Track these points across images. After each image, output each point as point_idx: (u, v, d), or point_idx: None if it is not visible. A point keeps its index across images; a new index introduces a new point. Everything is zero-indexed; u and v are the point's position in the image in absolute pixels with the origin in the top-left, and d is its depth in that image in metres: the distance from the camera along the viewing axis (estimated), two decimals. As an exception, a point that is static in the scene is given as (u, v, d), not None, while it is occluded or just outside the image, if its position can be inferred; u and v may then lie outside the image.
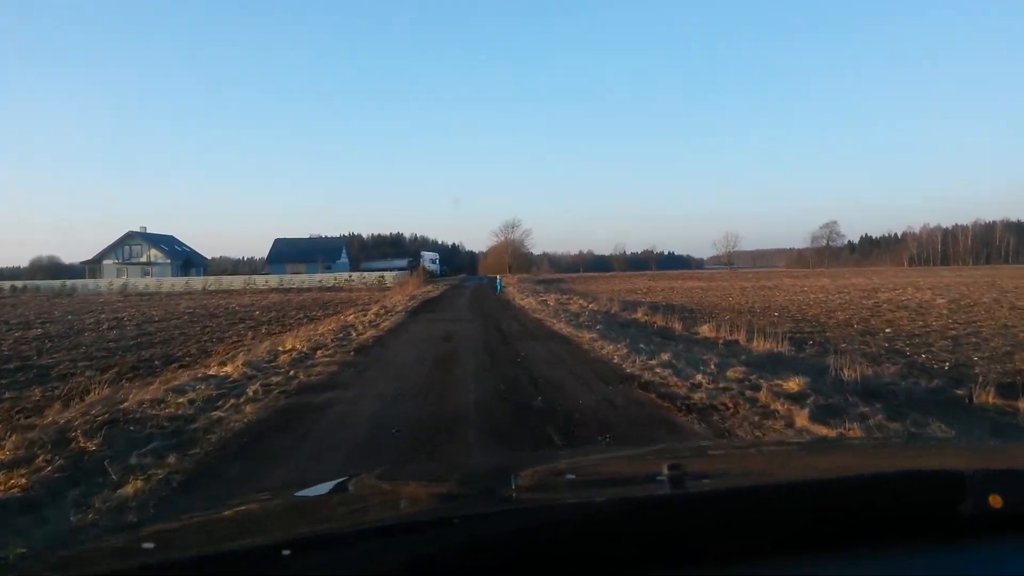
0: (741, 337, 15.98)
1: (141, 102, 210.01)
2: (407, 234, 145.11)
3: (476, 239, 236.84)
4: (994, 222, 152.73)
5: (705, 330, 18.12)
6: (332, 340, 16.75)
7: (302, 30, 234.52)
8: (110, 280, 74.36)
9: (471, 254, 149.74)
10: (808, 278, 67.51)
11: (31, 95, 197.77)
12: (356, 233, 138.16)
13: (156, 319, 31.50)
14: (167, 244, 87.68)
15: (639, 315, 23.99)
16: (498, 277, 60.15)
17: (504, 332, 18.28)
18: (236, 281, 72.54)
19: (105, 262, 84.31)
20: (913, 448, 2.71)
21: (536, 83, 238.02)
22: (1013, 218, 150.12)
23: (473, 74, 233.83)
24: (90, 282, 74.02)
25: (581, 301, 30.80)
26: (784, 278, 68.80)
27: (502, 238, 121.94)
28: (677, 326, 19.69)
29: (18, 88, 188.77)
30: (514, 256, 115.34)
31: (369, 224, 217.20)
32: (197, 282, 71.64)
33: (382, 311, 27.39)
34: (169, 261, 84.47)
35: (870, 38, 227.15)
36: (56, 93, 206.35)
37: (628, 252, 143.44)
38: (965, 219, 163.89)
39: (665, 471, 1.35)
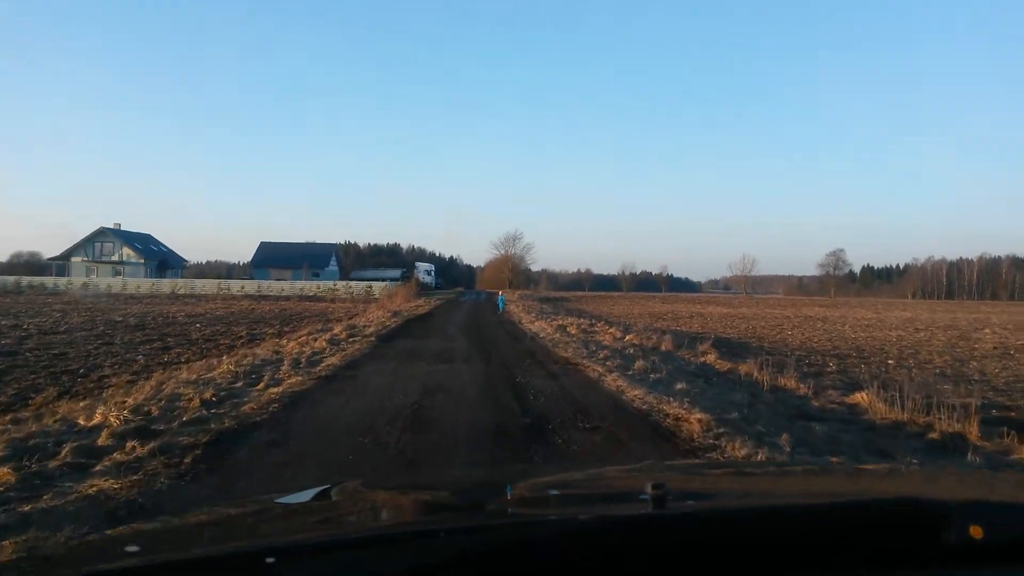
0: (968, 430, 8.41)
1: (140, 102, 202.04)
2: (404, 245, 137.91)
3: (474, 253, 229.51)
4: (999, 257, 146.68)
5: (862, 400, 10.57)
6: (210, 396, 9.04)
7: (305, 35, 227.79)
8: (69, 279, 66.45)
9: (469, 268, 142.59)
10: (835, 308, 59.88)
11: (33, 90, 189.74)
12: (352, 242, 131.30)
13: (58, 329, 23.69)
14: (141, 243, 79.73)
15: (710, 358, 16.21)
16: (500, 293, 52.41)
17: (527, 395, 10.10)
18: (208, 285, 64.74)
19: (74, 259, 76.22)
20: (897, 476, 2.58)
21: (538, 98, 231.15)
22: (1021, 253, 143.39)
23: (477, 87, 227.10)
24: (50, 280, 66.17)
25: (612, 329, 23.11)
26: (811, 307, 61.08)
27: (502, 252, 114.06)
28: (795, 385, 12.03)
29: (18, 83, 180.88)
30: (514, 271, 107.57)
31: (367, 234, 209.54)
32: (166, 285, 63.86)
33: (345, 334, 19.59)
34: (143, 261, 76.49)
35: (883, 64, 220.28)
36: (66, 89, 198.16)
37: (637, 272, 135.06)
38: (970, 253, 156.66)
39: (649, 490, 1.30)
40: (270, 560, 1.04)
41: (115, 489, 4.94)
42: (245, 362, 12.82)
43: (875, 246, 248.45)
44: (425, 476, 4.32)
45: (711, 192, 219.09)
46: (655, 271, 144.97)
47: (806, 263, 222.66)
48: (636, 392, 10.14)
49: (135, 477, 5.33)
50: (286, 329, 25.20)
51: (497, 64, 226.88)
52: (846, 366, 17.23)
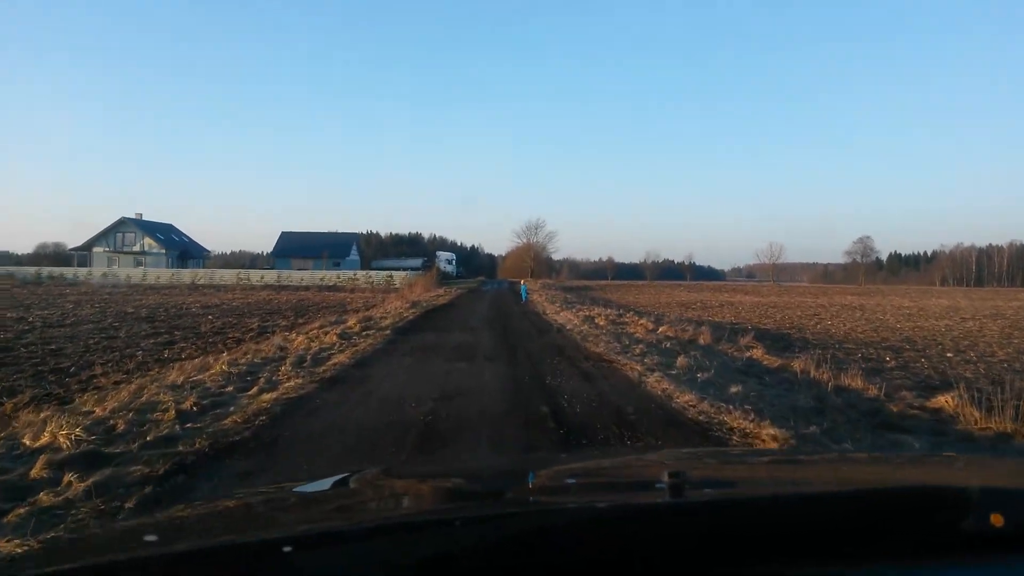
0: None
1: (166, 93, 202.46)
2: (426, 234, 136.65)
3: (496, 242, 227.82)
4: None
5: (946, 404, 9.13)
6: (191, 405, 7.75)
7: (327, 24, 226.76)
8: (89, 269, 65.90)
9: (490, 257, 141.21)
10: (867, 296, 57.72)
11: (45, 82, 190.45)
12: (374, 231, 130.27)
13: (64, 321, 22.74)
14: (163, 233, 79.10)
15: (756, 353, 14.65)
16: (522, 283, 50.86)
17: (560, 402, 8.56)
18: (228, 275, 63.84)
19: (95, 250, 75.84)
20: (916, 463, 2.54)
21: (559, 87, 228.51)
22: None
23: (498, 78, 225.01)
24: (70, 270, 65.64)
25: (643, 321, 21.52)
26: (842, 295, 58.95)
27: (524, 240, 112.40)
28: (862, 385, 10.55)
29: (23, 74, 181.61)
30: (536, 260, 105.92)
31: (388, 224, 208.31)
32: (187, 275, 63.08)
33: (359, 326, 18.24)
34: (164, 251, 75.85)
35: (906, 50, 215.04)
36: (74, 84, 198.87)
37: (660, 260, 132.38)
38: (999, 239, 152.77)
39: (666, 478, 1.30)
40: (287, 549, 1.03)
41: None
42: (243, 360, 11.50)
43: (902, 233, 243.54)
44: (443, 464, 4.20)
45: (734, 180, 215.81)
46: (678, 260, 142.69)
47: (830, 251, 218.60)
48: (687, 397, 8.64)
49: (46, 536, 3.94)
50: (300, 321, 24.00)
51: (518, 54, 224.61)
52: (905, 360, 15.58)
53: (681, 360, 12.13)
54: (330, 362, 11.78)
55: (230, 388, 9.12)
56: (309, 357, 12.21)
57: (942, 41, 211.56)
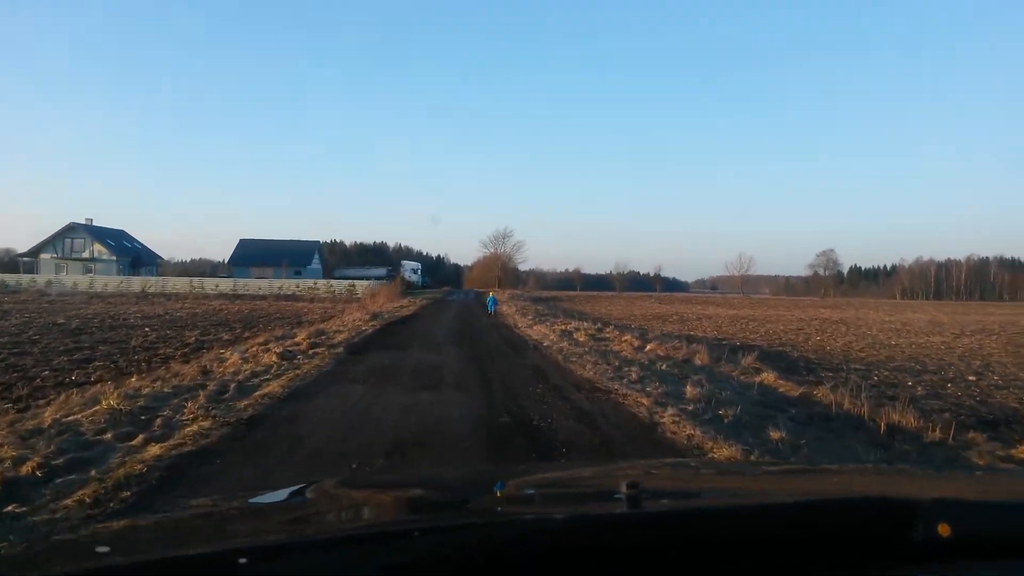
0: None
1: (127, 100, 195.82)
2: (391, 244, 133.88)
3: (462, 253, 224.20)
4: (988, 258, 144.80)
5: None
6: (32, 468, 5.27)
7: (292, 35, 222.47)
8: (33, 276, 62.00)
9: (456, 267, 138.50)
10: (840, 309, 56.47)
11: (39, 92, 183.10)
12: (338, 240, 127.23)
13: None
14: (114, 239, 75.12)
15: (767, 378, 12.50)
16: (490, 293, 48.35)
17: (557, 456, 6.40)
18: (181, 284, 60.44)
19: (43, 256, 71.57)
20: (869, 475, 2.58)
21: (526, 99, 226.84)
22: (1008, 255, 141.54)
23: (466, 86, 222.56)
24: (13, 278, 61.68)
25: (627, 337, 19.25)
26: (814, 308, 57.63)
27: (491, 250, 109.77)
28: (916, 424, 8.48)
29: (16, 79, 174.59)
30: (503, 270, 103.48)
31: (354, 233, 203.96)
32: (136, 283, 59.47)
33: (307, 343, 15.75)
34: (115, 258, 71.82)
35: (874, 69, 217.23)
36: (60, 89, 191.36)
37: (627, 271, 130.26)
38: (957, 254, 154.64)
39: (624, 489, 1.30)
40: (242, 561, 1.02)
41: None
42: (148, 390, 9.03)
43: (861, 247, 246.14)
44: (404, 475, 4.18)
45: (698, 193, 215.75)
46: (645, 271, 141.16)
47: (789, 263, 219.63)
48: (726, 451, 6.41)
49: None
50: (245, 335, 21.45)
51: (484, 66, 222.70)
52: (930, 386, 13.60)
53: (691, 390, 9.93)
54: (258, 393, 9.34)
55: (108, 435, 6.68)
56: (234, 386, 9.77)
57: (905, 59, 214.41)
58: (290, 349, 14.63)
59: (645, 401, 9.13)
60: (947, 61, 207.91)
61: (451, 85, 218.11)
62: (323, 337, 17.93)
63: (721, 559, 1.11)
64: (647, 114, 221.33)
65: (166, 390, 9.27)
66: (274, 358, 12.97)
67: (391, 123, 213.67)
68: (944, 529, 1.15)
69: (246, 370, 11.58)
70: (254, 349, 14.72)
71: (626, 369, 12.77)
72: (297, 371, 11.61)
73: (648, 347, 17.12)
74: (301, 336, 17.48)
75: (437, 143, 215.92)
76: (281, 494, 1.93)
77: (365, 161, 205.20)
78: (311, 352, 14.40)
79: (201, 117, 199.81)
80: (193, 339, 19.95)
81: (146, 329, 23.87)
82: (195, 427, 7.07)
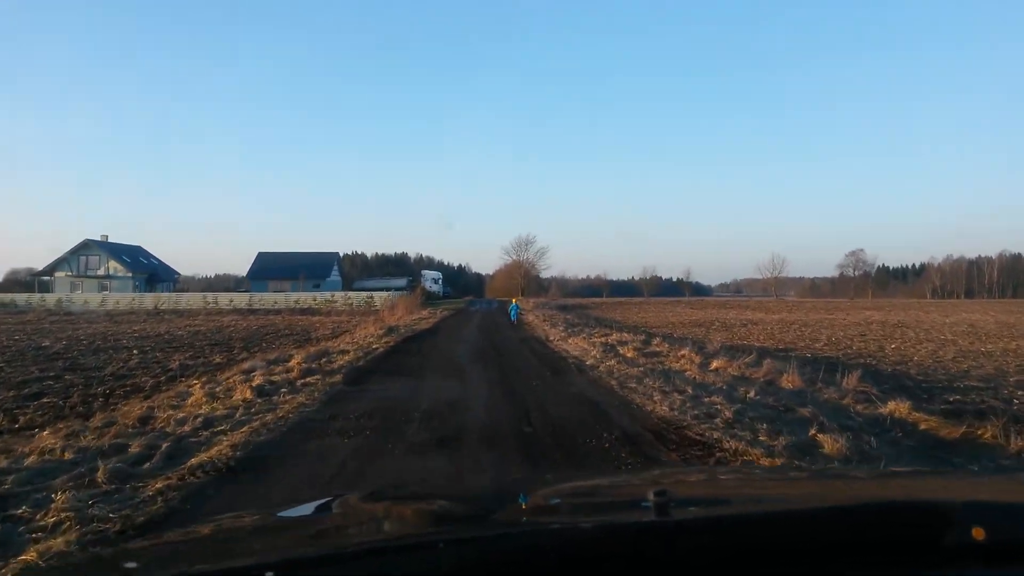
0: None
1: (147, 111, 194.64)
2: (412, 254, 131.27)
3: (484, 262, 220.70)
4: (1020, 254, 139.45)
5: None
6: None
7: (313, 40, 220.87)
8: (43, 296, 59.68)
9: (478, 276, 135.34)
10: (885, 310, 52.61)
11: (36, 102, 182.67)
12: (359, 252, 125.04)
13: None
14: (130, 256, 72.90)
15: (899, 410, 9.19)
16: (514, 301, 45.44)
17: None
18: (194, 299, 57.85)
19: (57, 274, 69.47)
20: (899, 479, 2.53)
21: (545, 105, 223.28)
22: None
23: (484, 94, 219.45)
24: (23, 296, 59.43)
25: (684, 351, 15.95)
26: (857, 310, 53.81)
27: (513, 257, 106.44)
28: None
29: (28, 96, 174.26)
30: (526, 278, 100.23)
31: (375, 244, 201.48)
32: (149, 300, 56.90)
33: (298, 369, 12.70)
34: (131, 275, 69.55)
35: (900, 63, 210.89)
36: (78, 98, 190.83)
37: (650, 277, 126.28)
38: (988, 250, 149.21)
39: (651, 497, 1.27)
40: (269, 575, 1.01)
41: None
42: (28, 464, 5.99)
43: (887, 247, 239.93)
44: (428, 487, 3.93)
45: (720, 196, 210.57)
46: (667, 276, 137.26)
47: (812, 265, 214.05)
48: None
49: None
50: (242, 356, 18.49)
51: (506, 66, 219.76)
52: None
53: (827, 440, 6.72)
54: (196, 458, 6.21)
55: None
56: (168, 444, 6.76)
57: (931, 55, 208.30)
58: (274, 380, 11.60)
59: (775, 464, 5.92)
60: (978, 56, 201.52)
61: (473, 91, 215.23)
62: (323, 360, 14.91)
63: (751, 567, 1.09)
64: (668, 117, 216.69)
65: (67, 456, 6.28)
66: (248, 393, 9.96)
67: (412, 132, 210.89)
68: (979, 533, 1.12)
69: (204, 413, 8.61)
70: (232, 379, 11.73)
71: (707, 400, 9.59)
72: (270, 414, 8.54)
73: (714, 364, 13.91)
74: (297, 359, 14.46)
75: (458, 151, 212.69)
76: (307, 508, 1.94)
77: (388, 171, 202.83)
78: (300, 383, 11.36)
79: (223, 130, 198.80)
80: (177, 364, 16.99)
81: (134, 351, 21.03)
82: (36, 550, 4.01)
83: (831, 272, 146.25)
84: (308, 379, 11.84)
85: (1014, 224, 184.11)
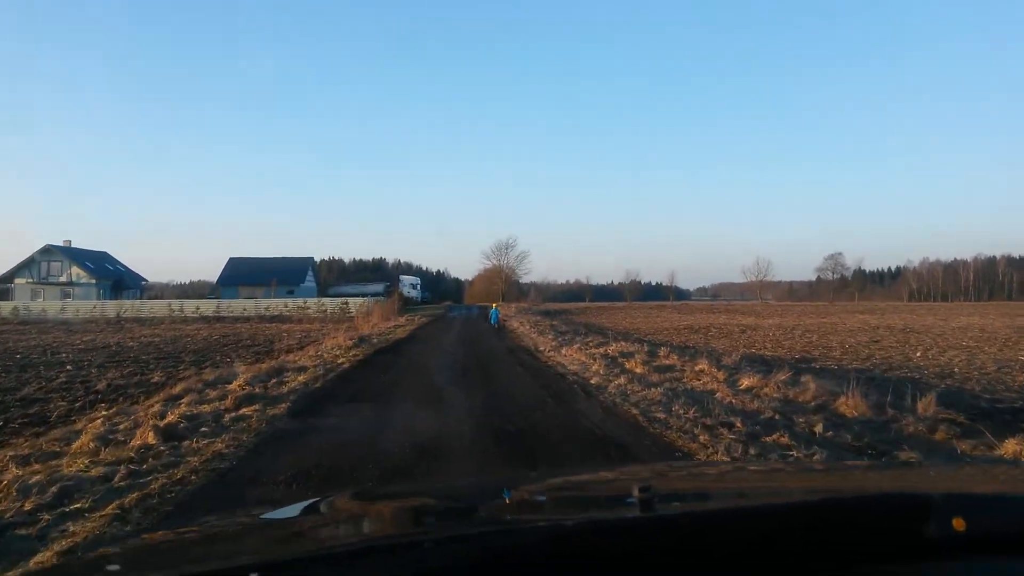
0: None
1: (113, 120, 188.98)
2: (390, 260, 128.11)
3: (463, 267, 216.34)
4: (995, 257, 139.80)
5: None
6: None
7: (286, 45, 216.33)
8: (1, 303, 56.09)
9: (457, 281, 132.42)
10: (877, 314, 50.63)
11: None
12: (336, 257, 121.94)
13: None
14: (94, 262, 69.01)
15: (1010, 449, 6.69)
16: (493, 306, 42.99)
17: None
18: (159, 307, 54.53)
19: (17, 281, 65.71)
20: (881, 471, 2.60)
21: (521, 112, 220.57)
22: (1015, 253, 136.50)
23: (460, 94, 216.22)
24: (-23, 305, 55.77)
25: (700, 364, 13.44)
26: (849, 314, 51.82)
27: (493, 262, 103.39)
28: None
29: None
30: (507, 283, 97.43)
31: (352, 250, 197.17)
32: (111, 307, 53.48)
33: (233, 398, 9.98)
34: (95, 281, 65.83)
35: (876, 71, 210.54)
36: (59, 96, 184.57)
37: (632, 281, 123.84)
38: (964, 254, 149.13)
39: (635, 493, 1.26)
40: None
41: None
42: None
43: (863, 250, 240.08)
44: (414, 485, 3.98)
45: (698, 200, 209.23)
46: (651, 280, 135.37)
47: (788, 269, 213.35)
48: None
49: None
50: (187, 374, 15.71)
51: (485, 68, 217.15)
52: None
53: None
54: None
55: None
56: None
57: (906, 59, 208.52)
58: (200, 411, 8.94)
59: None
60: (949, 60, 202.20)
61: (452, 93, 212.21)
62: (273, 381, 12.22)
63: (736, 560, 1.08)
64: (645, 120, 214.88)
65: None
66: (152, 437, 7.27)
67: (390, 137, 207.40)
68: (959, 523, 1.13)
69: (74, 472, 5.94)
70: (149, 411, 9.03)
71: (770, 439, 7.14)
72: (163, 476, 5.86)
73: (744, 382, 11.42)
74: (241, 380, 11.77)
75: (437, 155, 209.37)
76: (293, 509, 1.86)
77: (364, 176, 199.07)
78: (230, 417, 8.67)
79: (194, 132, 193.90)
80: (104, 385, 14.19)
81: (68, 367, 18.21)
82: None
83: (807, 275, 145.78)
84: (244, 410, 9.16)
85: (988, 228, 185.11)
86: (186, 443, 7.19)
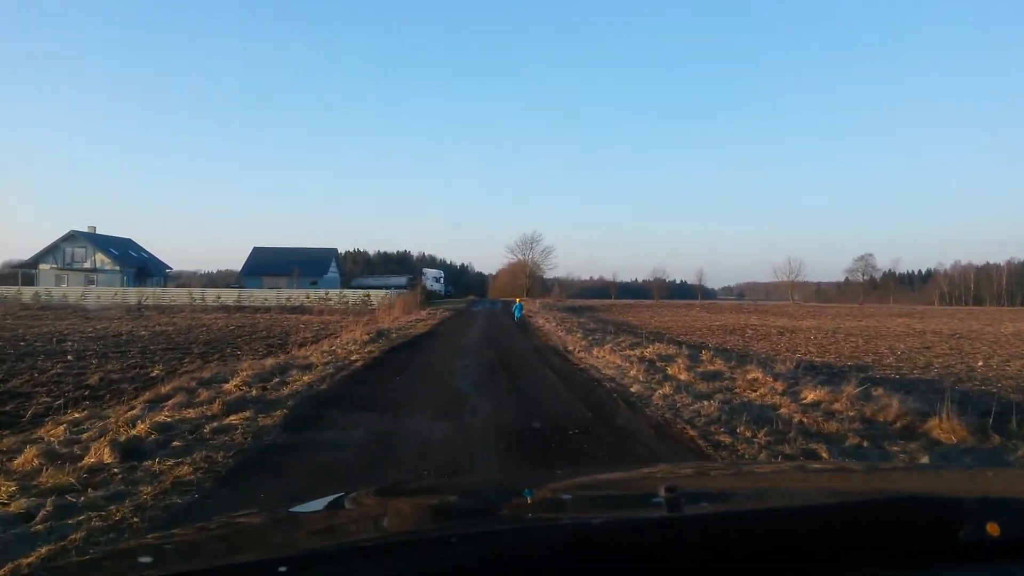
0: None
1: (142, 106, 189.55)
2: (415, 253, 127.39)
3: (487, 261, 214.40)
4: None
5: None
6: None
7: (316, 40, 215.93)
8: (20, 288, 55.59)
9: (480, 275, 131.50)
10: (924, 318, 48.40)
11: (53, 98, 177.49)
12: (361, 249, 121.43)
13: None
14: (118, 248, 68.60)
15: None
16: (517, 300, 41.85)
17: None
18: (180, 295, 53.79)
19: (42, 266, 65.46)
20: (911, 474, 2.52)
21: (551, 106, 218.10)
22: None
23: (489, 94, 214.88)
24: (3, 289, 55.29)
25: (754, 372, 11.85)
26: (884, 317, 49.63)
27: (518, 256, 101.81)
28: None
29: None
30: (531, 278, 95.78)
31: (377, 242, 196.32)
32: (133, 295, 52.80)
33: (228, 398, 8.61)
34: (119, 268, 65.39)
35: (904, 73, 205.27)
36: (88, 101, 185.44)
37: (656, 279, 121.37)
38: (996, 257, 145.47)
39: (662, 493, 1.24)
40: (282, 570, 0.99)
41: None
42: None
43: (892, 252, 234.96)
44: (439, 482, 3.88)
45: (728, 199, 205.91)
46: (676, 278, 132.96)
47: (815, 269, 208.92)
48: None
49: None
50: (190, 368, 14.46)
51: (512, 72, 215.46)
52: None
53: None
54: None
55: None
56: None
57: (944, 59, 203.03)
58: (183, 417, 7.62)
59: None
60: (986, 61, 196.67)
61: (477, 91, 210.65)
62: (274, 380, 10.87)
63: (763, 561, 1.06)
64: (673, 119, 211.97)
65: None
66: (108, 455, 5.93)
67: (418, 131, 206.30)
68: (993, 528, 1.10)
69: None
70: (117, 418, 7.68)
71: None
72: (97, 518, 4.49)
73: (808, 395, 9.85)
74: (239, 379, 10.45)
75: (464, 149, 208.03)
76: (320, 503, 1.79)
77: (392, 170, 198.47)
78: (212, 428, 7.28)
79: (225, 124, 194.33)
80: (97, 379, 12.93)
81: (69, 357, 17.08)
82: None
83: (834, 276, 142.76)
84: (231, 418, 7.78)
85: (1021, 231, 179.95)
86: (147, 463, 5.81)
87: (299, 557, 1.14)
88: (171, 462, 5.83)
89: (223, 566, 1.16)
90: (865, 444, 7.11)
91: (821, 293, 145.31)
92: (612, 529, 1.19)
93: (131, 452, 6.09)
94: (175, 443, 6.57)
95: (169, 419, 7.59)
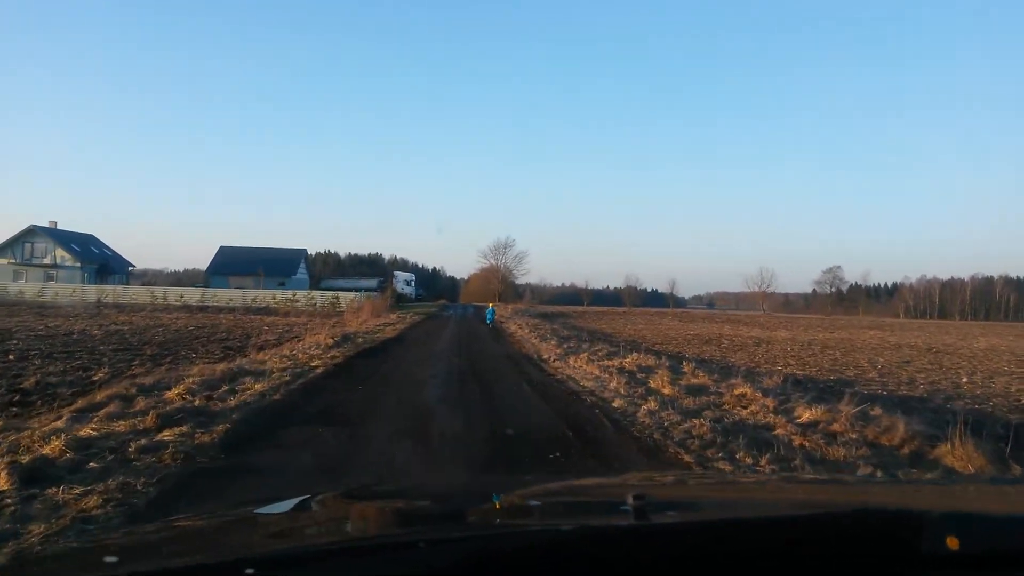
0: None
1: (115, 105, 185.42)
2: (387, 255, 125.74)
3: (459, 266, 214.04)
4: (992, 277, 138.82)
5: None
6: None
7: (288, 41, 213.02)
8: (-24, 284, 53.53)
9: (452, 280, 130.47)
10: (887, 330, 48.44)
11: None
12: (332, 251, 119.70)
13: None
14: (79, 244, 66.30)
15: None
16: (490, 305, 41.20)
17: None
18: (141, 293, 52.08)
19: (0, 261, 63.24)
20: (877, 487, 2.51)
21: (521, 111, 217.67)
22: (1013, 274, 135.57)
23: (464, 95, 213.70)
24: (-46, 285, 53.19)
25: (743, 388, 11.08)
26: (855, 329, 49.59)
27: (491, 261, 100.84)
28: None
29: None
30: (503, 283, 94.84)
31: (348, 244, 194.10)
32: (92, 292, 51.00)
33: (164, 410, 7.58)
34: (79, 265, 63.32)
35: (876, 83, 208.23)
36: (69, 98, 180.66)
37: (628, 286, 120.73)
38: (961, 272, 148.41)
39: (630, 501, 1.24)
40: (249, 571, 0.98)
41: None
42: None
43: (862, 265, 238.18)
44: (408, 486, 3.75)
45: (701, 209, 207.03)
46: (648, 286, 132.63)
47: (783, 281, 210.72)
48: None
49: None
50: (139, 371, 13.40)
51: (484, 70, 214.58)
52: None
53: None
54: None
55: None
56: None
57: (913, 71, 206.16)
58: (101, 434, 6.60)
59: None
60: (955, 75, 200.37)
61: (453, 91, 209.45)
62: (223, 389, 9.88)
63: (729, 570, 1.06)
64: (650, 125, 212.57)
65: None
66: (3, 479, 4.94)
67: (392, 136, 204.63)
68: (953, 542, 1.11)
69: None
70: (33, 432, 6.66)
71: None
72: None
73: (803, 414, 9.16)
74: (181, 387, 9.45)
75: (440, 154, 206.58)
76: (286, 505, 1.78)
77: (365, 172, 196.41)
78: (135, 447, 6.24)
79: (196, 120, 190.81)
80: (33, 383, 11.79)
81: (10, 357, 15.94)
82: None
83: (802, 288, 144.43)
84: (164, 434, 6.79)
85: (986, 249, 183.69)
86: (51, 491, 4.83)
87: (266, 558, 1.12)
88: (79, 490, 4.86)
89: (190, 566, 1.12)
90: (878, 475, 6.37)
91: (789, 304, 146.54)
92: (580, 536, 1.19)
93: (34, 476, 5.11)
94: (92, 464, 5.59)
95: (94, 433, 6.61)
